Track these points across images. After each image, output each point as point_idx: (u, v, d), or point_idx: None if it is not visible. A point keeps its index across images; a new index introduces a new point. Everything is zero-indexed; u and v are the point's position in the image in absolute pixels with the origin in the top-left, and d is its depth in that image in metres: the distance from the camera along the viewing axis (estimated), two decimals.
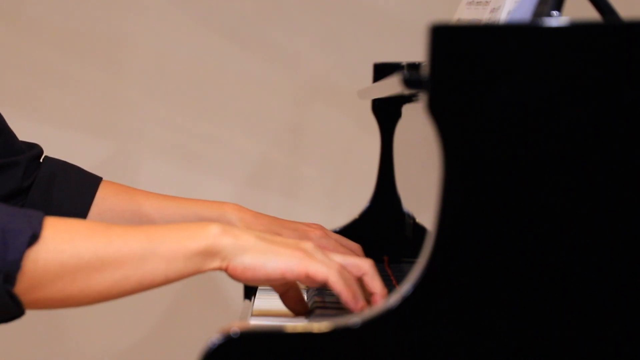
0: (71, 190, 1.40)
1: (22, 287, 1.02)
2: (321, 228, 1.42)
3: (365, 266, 1.12)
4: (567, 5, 1.11)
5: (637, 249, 0.93)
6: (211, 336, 0.94)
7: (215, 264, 1.06)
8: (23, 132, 2.26)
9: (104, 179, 1.43)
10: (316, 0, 2.25)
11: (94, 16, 2.24)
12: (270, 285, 1.15)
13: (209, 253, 1.06)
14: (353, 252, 1.39)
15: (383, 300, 1.09)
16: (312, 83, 2.26)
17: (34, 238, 1.02)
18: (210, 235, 1.06)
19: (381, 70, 1.64)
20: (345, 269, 1.10)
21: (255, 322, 1.20)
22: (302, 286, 1.38)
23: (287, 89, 2.26)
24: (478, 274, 0.93)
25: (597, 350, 0.94)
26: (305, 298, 1.31)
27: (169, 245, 1.05)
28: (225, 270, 1.07)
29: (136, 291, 1.06)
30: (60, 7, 2.23)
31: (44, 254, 1.02)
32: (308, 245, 1.10)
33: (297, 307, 1.19)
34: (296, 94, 2.27)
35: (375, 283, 1.11)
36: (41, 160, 1.43)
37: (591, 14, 1.16)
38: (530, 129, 0.93)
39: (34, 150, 1.43)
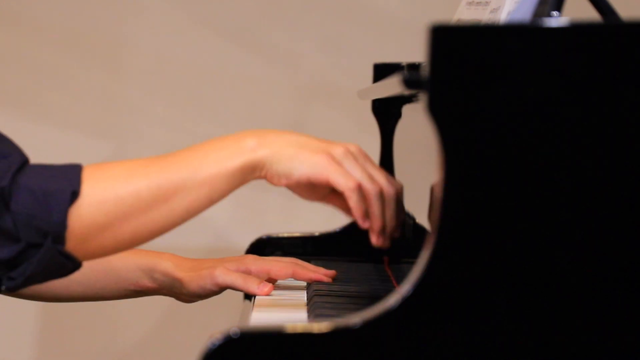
0: None
1: (73, 243, 1.05)
2: (255, 256, 1.45)
3: (384, 185, 1.12)
4: (567, 6, 1.11)
5: (637, 249, 0.93)
6: (211, 336, 0.94)
7: (255, 175, 1.10)
8: (23, 132, 2.26)
9: None
10: (316, 0, 2.25)
11: (94, 17, 2.24)
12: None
13: (249, 167, 1.09)
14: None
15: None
16: (312, 83, 2.26)
17: (74, 195, 1.04)
18: (247, 150, 1.09)
19: (381, 71, 1.64)
20: (366, 185, 1.11)
21: (258, 314, 1.21)
22: (302, 284, 1.39)
23: (287, 89, 2.26)
24: (478, 274, 0.93)
25: (597, 350, 0.94)
26: (306, 298, 1.31)
27: (209, 170, 1.08)
28: (264, 178, 1.10)
29: (185, 220, 1.09)
30: (60, 8, 2.23)
31: (88, 208, 1.05)
32: (338, 151, 1.11)
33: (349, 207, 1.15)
34: (296, 94, 2.27)
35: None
36: None
37: (591, 14, 1.16)
38: (530, 129, 0.93)
39: None
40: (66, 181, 1.05)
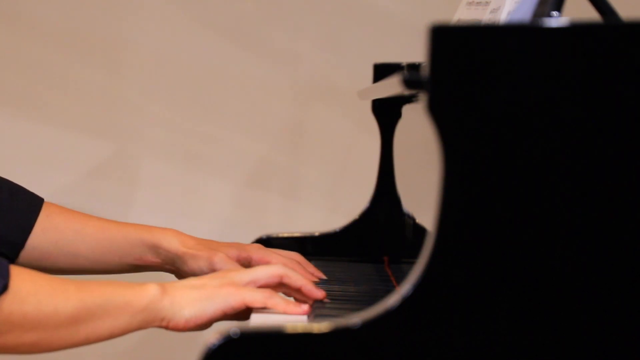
0: (17, 206, 1.40)
1: None
2: (259, 245, 1.50)
3: (279, 271, 1.22)
4: (567, 6, 1.11)
5: (637, 249, 0.93)
6: (211, 336, 0.94)
7: (156, 324, 1.13)
8: (23, 132, 2.26)
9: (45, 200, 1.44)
10: (316, 0, 2.25)
11: (94, 16, 2.24)
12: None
13: (152, 312, 1.13)
14: (294, 260, 1.46)
15: (310, 289, 1.22)
16: (312, 83, 2.26)
17: (4, 288, 1.05)
18: (151, 295, 1.13)
19: (381, 71, 1.64)
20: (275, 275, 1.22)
21: (258, 314, 1.21)
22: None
23: (287, 89, 2.26)
24: (478, 274, 0.93)
25: (597, 350, 0.94)
26: None
27: (117, 304, 1.11)
28: (167, 328, 1.14)
29: (81, 345, 1.12)
30: (60, 8, 2.23)
31: (9, 304, 1.05)
32: (234, 276, 1.19)
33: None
34: (296, 94, 2.27)
35: (292, 281, 1.22)
36: None
37: (591, 14, 1.16)
38: (530, 129, 0.93)
39: None
40: None
